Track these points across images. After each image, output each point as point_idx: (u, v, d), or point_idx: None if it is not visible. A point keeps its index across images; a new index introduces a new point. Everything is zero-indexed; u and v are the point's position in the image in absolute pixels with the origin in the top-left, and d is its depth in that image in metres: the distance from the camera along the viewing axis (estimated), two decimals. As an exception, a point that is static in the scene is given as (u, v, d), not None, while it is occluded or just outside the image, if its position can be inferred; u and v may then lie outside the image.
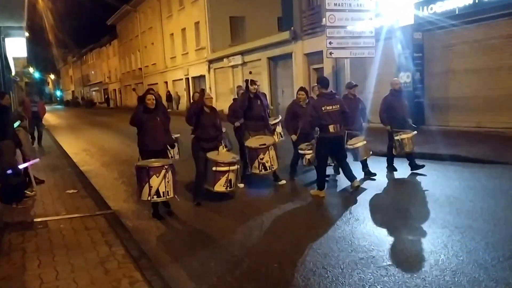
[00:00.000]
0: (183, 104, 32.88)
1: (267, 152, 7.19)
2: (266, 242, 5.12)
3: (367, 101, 12.74)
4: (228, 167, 6.58)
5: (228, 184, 6.66)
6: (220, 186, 6.63)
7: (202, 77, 30.63)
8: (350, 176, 6.93)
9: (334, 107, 6.65)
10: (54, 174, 9.36)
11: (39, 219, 6.02)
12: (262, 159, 7.14)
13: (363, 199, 6.61)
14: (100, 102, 60.64)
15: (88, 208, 6.58)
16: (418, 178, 7.67)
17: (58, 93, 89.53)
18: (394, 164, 8.20)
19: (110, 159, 12.05)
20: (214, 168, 6.55)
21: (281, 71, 21.51)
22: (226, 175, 6.59)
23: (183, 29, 32.87)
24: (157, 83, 39.33)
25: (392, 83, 8.22)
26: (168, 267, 4.49)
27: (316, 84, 7.69)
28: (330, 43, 12.18)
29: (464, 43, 12.16)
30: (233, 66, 25.77)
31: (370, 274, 4.03)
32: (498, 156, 8.52)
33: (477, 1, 11.08)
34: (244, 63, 24.51)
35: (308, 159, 7.37)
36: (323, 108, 6.58)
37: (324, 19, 12.54)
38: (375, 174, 7.83)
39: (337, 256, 4.50)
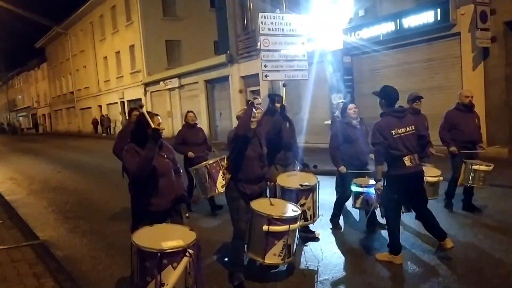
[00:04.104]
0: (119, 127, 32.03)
1: (310, 195, 5.02)
2: None
3: (302, 122, 13.33)
4: (287, 226, 4.09)
5: (286, 252, 4.16)
6: (273, 257, 4.14)
7: (138, 100, 30.04)
8: (439, 232, 4.64)
9: (408, 129, 4.63)
10: (-25, 205, 8.66)
11: (-43, 254, 5.53)
12: (303, 204, 4.90)
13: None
14: (28, 128, 57.34)
15: (14, 239, 6.13)
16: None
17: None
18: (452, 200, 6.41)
19: (38, 187, 11.38)
20: (265, 228, 4.06)
21: (218, 93, 21.68)
22: (284, 239, 4.12)
23: (117, 52, 32.27)
24: (90, 107, 38.10)
25: (460, 94, 6.39)
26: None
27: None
28: (265, 66, 12.51)
29: (388, 67, 13.01)
30: (170, 89, 25.63)
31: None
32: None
33: (398, 28, 11.97)
34: (181, 86, 24.48)
35: (367, 199, 5.32)
36: (393, 132, 4.57)
37: (258, 43, 12.90)
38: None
39: None
